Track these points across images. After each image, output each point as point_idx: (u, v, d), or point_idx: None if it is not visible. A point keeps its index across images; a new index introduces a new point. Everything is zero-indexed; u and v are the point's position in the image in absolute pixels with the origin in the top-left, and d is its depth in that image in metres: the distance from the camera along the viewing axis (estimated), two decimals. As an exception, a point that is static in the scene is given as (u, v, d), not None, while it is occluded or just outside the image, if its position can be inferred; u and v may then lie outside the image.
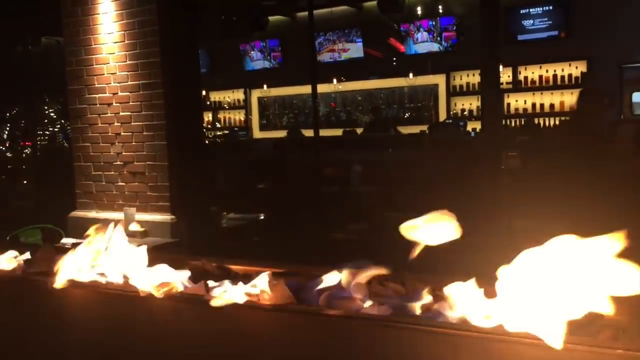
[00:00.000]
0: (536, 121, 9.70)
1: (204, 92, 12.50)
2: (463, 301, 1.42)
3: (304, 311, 1.51)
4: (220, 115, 13.08)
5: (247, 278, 1.73)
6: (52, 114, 13.12)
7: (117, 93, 5.23)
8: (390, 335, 1.38)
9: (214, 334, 1.66)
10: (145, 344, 1.73)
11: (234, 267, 2.00)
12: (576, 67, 9.43)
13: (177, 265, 1.86)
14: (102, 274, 1.89)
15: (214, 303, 1.58)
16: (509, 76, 9.83)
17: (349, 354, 1.44)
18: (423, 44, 10.34)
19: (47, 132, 12.52)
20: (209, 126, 12.91)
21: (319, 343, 1.48)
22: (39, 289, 1.99)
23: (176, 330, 1.70)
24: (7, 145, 12.45)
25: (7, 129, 12.62)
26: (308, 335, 1.51)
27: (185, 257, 2.03)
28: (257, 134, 12.57)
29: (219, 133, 12.76)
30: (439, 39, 10.19)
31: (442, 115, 10.58)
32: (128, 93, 5.18)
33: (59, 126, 12.73)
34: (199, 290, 1.70)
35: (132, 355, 1.75)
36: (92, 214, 5.38)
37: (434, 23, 10.20)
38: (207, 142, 10.74)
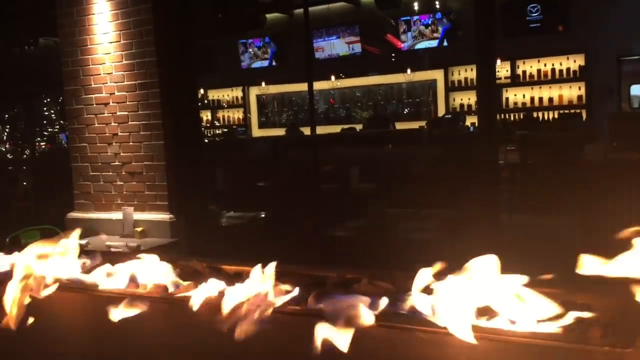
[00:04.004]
0: (535, 115, 9.69)
1: (202, 91, 12.50)
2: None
3: (290, 312, 1.51)
4: (219, 114, 13.07)
5: (238, 278, 1.73)
6: (52, 115, 13.12)
7: (113, 93, 5.23)
8: (378, 335, 1.38)
9: (202, 335, 1.65)
10: (133, 345, 1.73)
11: (226, 267, 2.00)
12: (574, 61, 9.41)
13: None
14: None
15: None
16: (507, 70, 9.82)
17: (336, 353, 1.44)
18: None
19: (46, 133, 12.53)
20: (208, 125, 12.91)
21: (304, 343, 1.48)
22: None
23: (163, 331, 1.70)
24: (7, 146, 12.45)
25: (7, 130, 12.62)
26: (294, 336, 1.51)
27: (176, 257, 2.02)
28: (256, 132, 12.56)
29: (218, 132, 12.75)
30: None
31: (441, 111, 10.57)
32: (125, 93, 5.18)
33: (57, 127, 12.73)
34: (188, 291, 1.70)
35: (120, 357, 1.75)
36: (91, 214, 5.38)
37: (430, 18, 10.18)
38: (206, 140, 10.75)
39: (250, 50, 12.04)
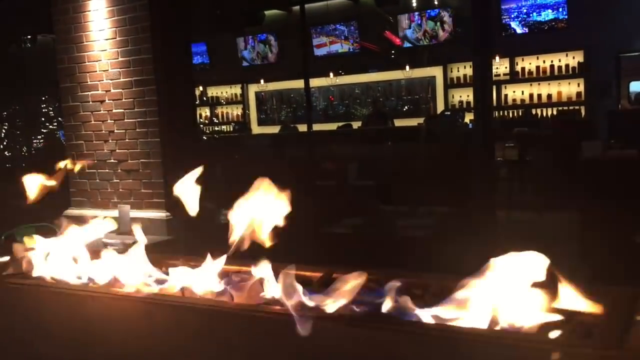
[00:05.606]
0: (534, 112, 9.67)
1: (201, 88, 12.48)
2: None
3: (275, 312, 1.50)
4: (218, 111, 13.05)
5: (226, 277, 1.72)
6: (50, 112, 13.11)
7: (109, 90, 5.21)
8: (361, 335, 1.37)
9: (186, 334, 1.64)
10: (117, 344, 1.72)
11: (214, 266, 1.98)
12: (573, 57, 9.39)
13: (156, 264, 1.86)
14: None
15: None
16: (506, 67, 9.80)
17: (320, 354, 1.43)
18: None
19: (44, 131, 12.51)
20: (207, 121, 12.89)
21: (289, 343, 1.47)
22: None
23: (148, 330, 1.69)
24: (5, 144, 12.44)
25: (5, 127, 12.61)
26: (279, 336, 1.49)
27: (163, 256, 2.01)
28: (256, 129, 12.53)
29: (217, 128, 12.73)
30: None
31: (440, 107, 10.55)
32: (120, 90, 5.16)
33: (55, 124, 12.71)
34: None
35: (103, 356, 1.74)
36: (87, 211, 5.36)
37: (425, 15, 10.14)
38: (204, 137, 10.73)
39: (249, 47, 12.00)
